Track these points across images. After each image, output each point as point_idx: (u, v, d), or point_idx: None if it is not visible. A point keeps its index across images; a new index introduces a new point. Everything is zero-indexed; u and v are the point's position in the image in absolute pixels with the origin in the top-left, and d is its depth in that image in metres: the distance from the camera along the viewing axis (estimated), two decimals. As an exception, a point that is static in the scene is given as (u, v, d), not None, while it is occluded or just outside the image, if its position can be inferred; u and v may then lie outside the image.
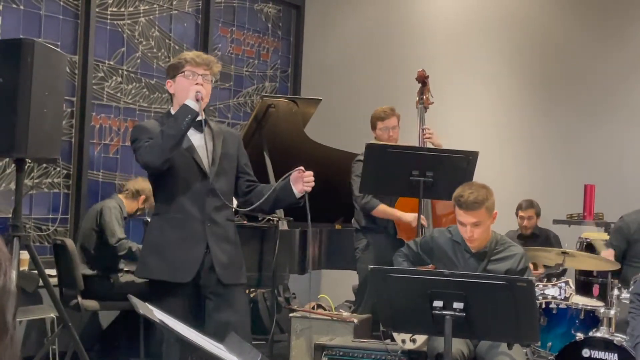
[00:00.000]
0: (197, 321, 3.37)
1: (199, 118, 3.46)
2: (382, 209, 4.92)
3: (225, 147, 3.55)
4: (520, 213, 6.10)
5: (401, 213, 4.87)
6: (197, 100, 3.35)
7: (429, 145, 4.92)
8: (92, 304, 5.03)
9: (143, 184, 5.23)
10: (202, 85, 3.41)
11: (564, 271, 5.21)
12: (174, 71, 3.51)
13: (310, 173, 3.43)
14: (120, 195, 5.31)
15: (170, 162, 3.37)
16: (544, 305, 4.20)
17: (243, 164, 3.63)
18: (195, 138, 3.47)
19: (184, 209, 3.41)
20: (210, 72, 3.47)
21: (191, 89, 3.38)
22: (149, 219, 5.21)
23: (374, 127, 5.11)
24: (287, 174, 3.46)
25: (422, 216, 4.75)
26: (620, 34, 6.47)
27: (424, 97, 5.10)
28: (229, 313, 3.43)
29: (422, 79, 5.10)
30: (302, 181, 3.41)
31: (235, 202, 3.72)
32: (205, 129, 3.51)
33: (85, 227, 5.20)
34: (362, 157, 4.85)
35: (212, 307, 3.44)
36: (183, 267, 3.39)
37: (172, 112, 3.49)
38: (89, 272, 5.05)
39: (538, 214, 6.11)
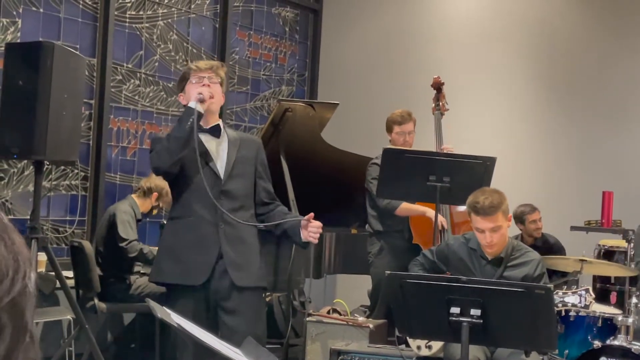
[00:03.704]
0: (208, 327, 3.36)
1: (217, 122, 3.49)
2: (405, 207, 4.86)
3: (242, 152, 3.55)
4: (531, 217, 5.96)
5: (425, 208, 4.80)
6: (200, 101, 3.37)
7: (445, 136, 4.91)
8: (108, 306, 5.04)
9: (156, 181, 5.20)
10: (208, 86, 3.43)
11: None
12: (182, 83, 3.56)
13: (317, 224, 3.42)
14: (133, 196, 5.30)
15: (184, 167, 3.39)
16: (563, 313, 4.17)
17: (261, 170, 3.62)
18: (211, 144, 3.49)
19: (196, 212, 3.42)
20: (214, 74, 3.49)
21: (193, 92, 3.41)
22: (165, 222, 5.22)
23: (389, 130, 5.09)
24: (297, 218, 3.49)
25: (443, 219, 4.73)
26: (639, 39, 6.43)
27: (440, 103, 5.09)
28: (239, 320, 3.41)
29: (438, 86, 5.10)
30: (308, 230, 3.42)
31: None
32: (222, 136, 3.54)
33: (99, 232, 5.23)
34: (377, 161, 4.83)
35: (223, 314, 3.42)
36: (196, 270, 3.38)
37: None
38: (101, 274, 5.06)
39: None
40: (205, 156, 3.45)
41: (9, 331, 0.74)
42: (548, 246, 5.92)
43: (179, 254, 3.42)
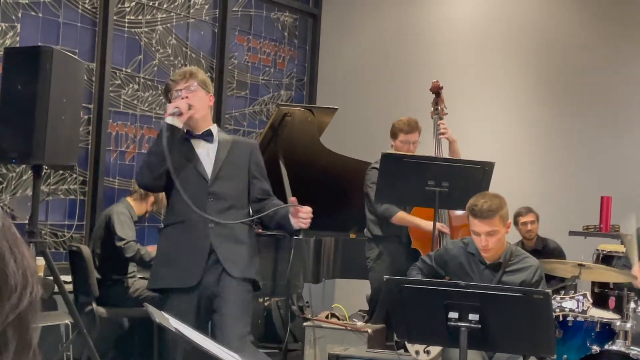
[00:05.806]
0: (202, 324, 3.42)
1: (209, 127, 3.58)
2: (401, 216, 4.89)
3: (233, 154, 3.62)
4: (522, 219, 5.98)
5: (421, 220, 4.83)
6: (177, 115, 3.43)
7: (444, 140, 4.93)
8: (106, 310, 5.04)
9: None
10: (186, 97, 3.48)
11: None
12: (167, 95, 3.63)
13: (307, 209, 3.47)
14: (129, 199, 5.29)
15: (173, 175, 3.42)
16: (560, 318, 4.17)
17: (254, 170, 3.67)
18: (202, 150, 3.58)
19: (186, 215, 3.48)
20: (190, 82, 3.51)
21: (168, 107, 3.50)
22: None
23: (394, 137, 5.07)
24: (285, 205, 3.54)
25: (442, 224, 4.74)
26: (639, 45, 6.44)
27: (439, 107, 5.09)
28: (225, 305, 3.45)
29: (436, 90, 5.10)
30: (298, 216, 3.47)
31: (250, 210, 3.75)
32: (215, 140, 3.62)
33: (96, 234, 5.22)
34: (376, 165, 4.84)
35: (213, 302, 3.48)
36: (189, 271, 3.46)
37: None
38: (99, 277, 5.06)
39: (538, 219, 6.05)
40: (195, 161, 3.54)
41: (13, 347, 0.74)
42: (548, 250, 5.93)
43: (173, 259, 3.50)
